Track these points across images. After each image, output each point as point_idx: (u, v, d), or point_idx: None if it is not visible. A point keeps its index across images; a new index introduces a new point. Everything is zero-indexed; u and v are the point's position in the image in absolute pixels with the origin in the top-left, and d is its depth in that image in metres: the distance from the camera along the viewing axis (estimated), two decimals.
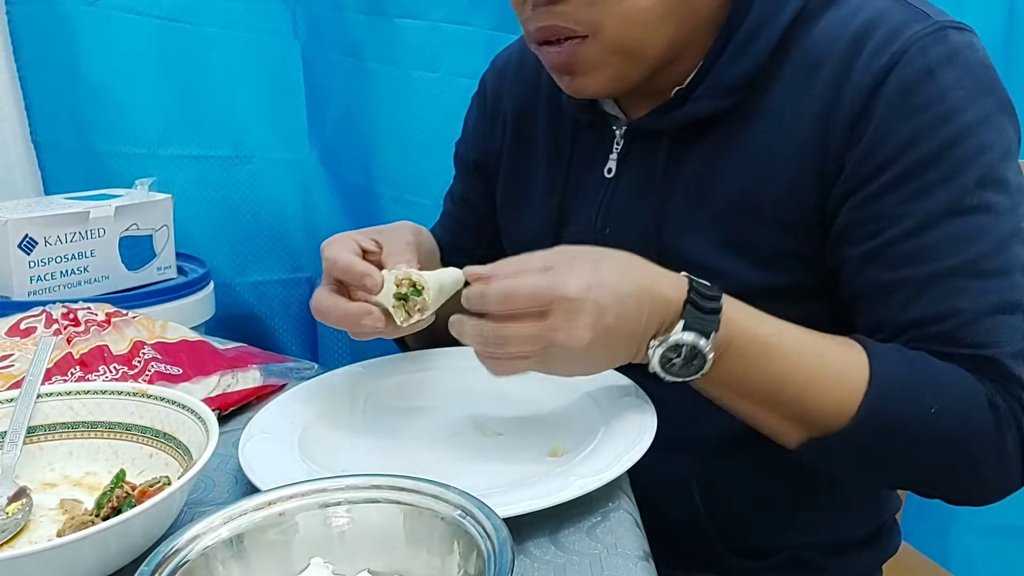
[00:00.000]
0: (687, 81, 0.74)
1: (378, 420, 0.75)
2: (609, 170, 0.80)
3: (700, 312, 0.62)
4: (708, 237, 0.73)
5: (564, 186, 0.83)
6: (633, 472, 0.62)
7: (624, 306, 0.60)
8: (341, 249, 0.72)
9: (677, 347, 0.62)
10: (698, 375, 0.63)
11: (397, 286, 0.68)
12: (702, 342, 0.61)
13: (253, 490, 0.59)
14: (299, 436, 0.69)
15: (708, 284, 0.64)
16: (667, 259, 0.71)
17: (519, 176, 0.89)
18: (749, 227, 0.71)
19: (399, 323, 0.69)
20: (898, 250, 0.66)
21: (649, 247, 0.73)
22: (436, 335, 0.78)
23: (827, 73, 0.68)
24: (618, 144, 0.79)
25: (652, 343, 0.63)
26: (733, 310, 0.64)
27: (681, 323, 0.62)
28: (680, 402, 0.68)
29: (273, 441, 0.68)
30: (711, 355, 0.62)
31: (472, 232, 0.97)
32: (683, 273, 0.65)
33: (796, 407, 0.66)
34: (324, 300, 0.71)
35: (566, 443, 0.67)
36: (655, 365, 0.63)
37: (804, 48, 0.70)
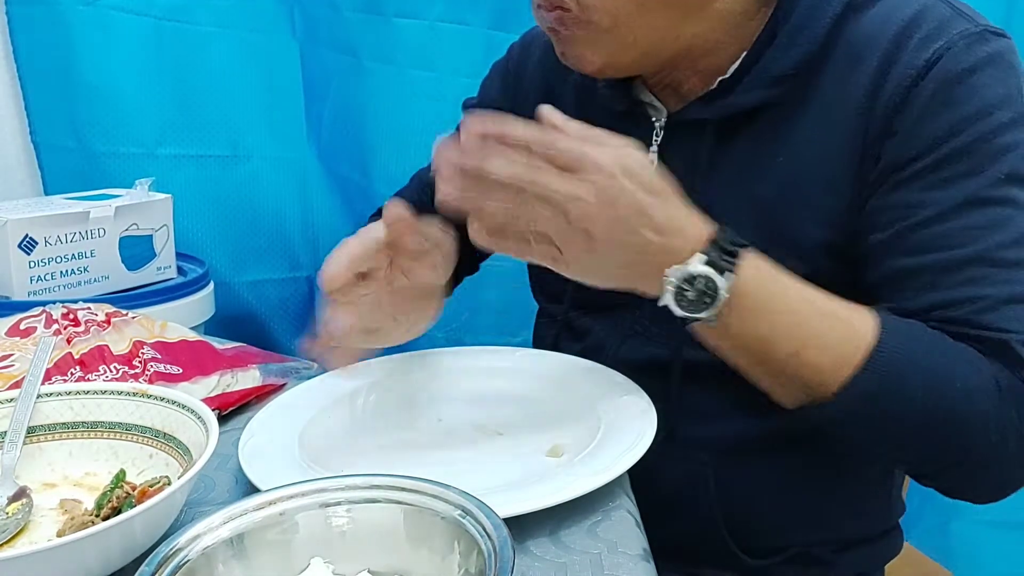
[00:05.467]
0: (730, 71, 0.74)
1: (378, 420, 0.75)
2: (650, 162, 0.79)
3: (721, 251, 0.62)
4: (747, 225, 0.71)
5: None
6: (652, 470, 0.61)
7: (652, 208, 0.61)
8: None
9: (692, 279, 0.61)
10: (706, 314, 0.62)
11: None
12: (718, 278, 0.61)
13: (253, 490, 0.59)
14: (299, 436, 0.69)
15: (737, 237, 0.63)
16: None
17: None
18: (789, 218, 0.71)
19: None
20: (919, 236, 0.66)
21: None
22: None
23: (870, 65, 0.68)
24: (657, 136, 0.79)
25: (668, 272, 0.62)
26: (753, 263, 0.63)
27: (701, 256, 0.61)
28: (702, 403, 0.68)
29: (273, 441, 0.68)
30: (724, 295, 0.61)
31: None
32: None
33: (793, 363, 0.65)
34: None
35: (566, 443, 0.67)
36: (668, 296, 0.62)
37: (849, 39, 0.70)
